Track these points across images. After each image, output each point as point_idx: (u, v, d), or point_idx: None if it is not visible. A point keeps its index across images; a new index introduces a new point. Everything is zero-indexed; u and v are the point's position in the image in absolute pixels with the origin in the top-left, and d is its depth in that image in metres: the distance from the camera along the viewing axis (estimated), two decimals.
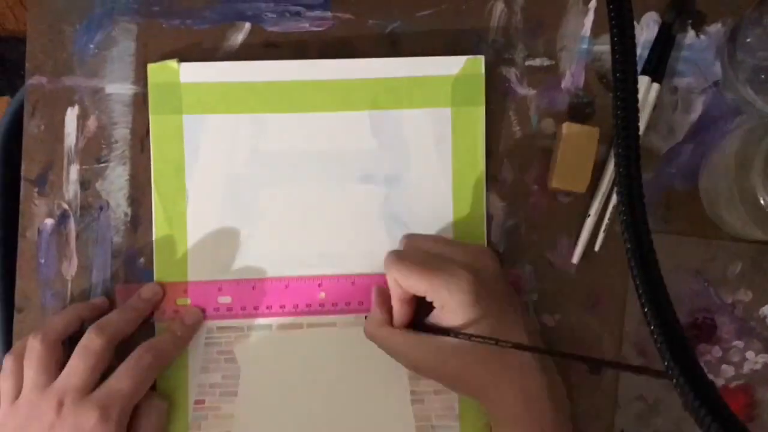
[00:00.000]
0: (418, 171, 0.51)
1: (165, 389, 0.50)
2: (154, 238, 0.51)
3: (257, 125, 0.51)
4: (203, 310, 0.50)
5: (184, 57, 0.51)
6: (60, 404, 0.44)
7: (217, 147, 0.51)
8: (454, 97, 0.51)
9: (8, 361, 0.47)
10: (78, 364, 0.45)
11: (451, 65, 0.50)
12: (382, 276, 0.48)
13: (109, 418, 0.45)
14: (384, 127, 0.51)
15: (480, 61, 0.50)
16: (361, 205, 0.51)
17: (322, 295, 0.50)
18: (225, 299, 0.50)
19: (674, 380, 0.37)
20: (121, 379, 0.46)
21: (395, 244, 0.50)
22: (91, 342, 0.46)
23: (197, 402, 0.50)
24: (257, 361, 0.50)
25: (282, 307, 0.50)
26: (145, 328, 0.50)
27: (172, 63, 0.51)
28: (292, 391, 0.50)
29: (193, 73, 0.51)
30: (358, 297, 0.50)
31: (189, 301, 0.50)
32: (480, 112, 0.51)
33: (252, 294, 0.50)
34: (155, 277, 0.51)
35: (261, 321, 0.50)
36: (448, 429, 0.50)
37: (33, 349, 0.46)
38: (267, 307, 0.50)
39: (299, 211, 0.51)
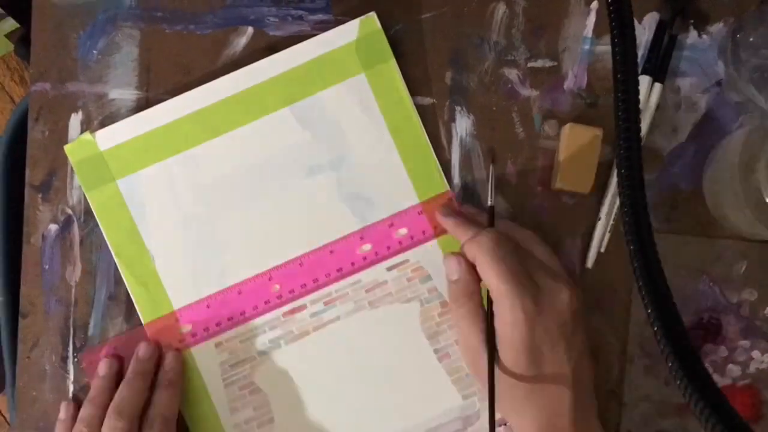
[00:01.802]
0: (358, 144, 0.51)
1: None
2: (136, 307, 0.51)
3: (189, 162, 0.51)
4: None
5: (187, 62, 0.52)
6: None
7: (160, 198, 0.51)
8: (363, 61, 0.51)
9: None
10: None
11: (347, 33, 0.51)
12: (326, 247, 0.50)
13: None
14: (309, 116, 0.51)
15: (372, 18, 0.50)
16: (318, 197, 0.51)
17: (276, 287, 0.51)
18: (186, 328, 0.51)
19: (678, 381, 0.36)
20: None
21: (364, 222, 0.50)
22: (114, 429, 0.46)
23: None
24: (280, 381, 0.50)
25: (242, 313, 0.51)
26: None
27: (87, 136, 0.51)
28: (326, 395, 0.50)
29: (109, 137, 0.51)
30: (311, 276, 0.50)
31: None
32: (392, 66, 0.51)
33: (208, 312, 0.51)
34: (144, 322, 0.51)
35: (267, 342, 0.50)
36: None
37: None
38: (228, 319, 0.51)
39: (263, 226, 0.51)
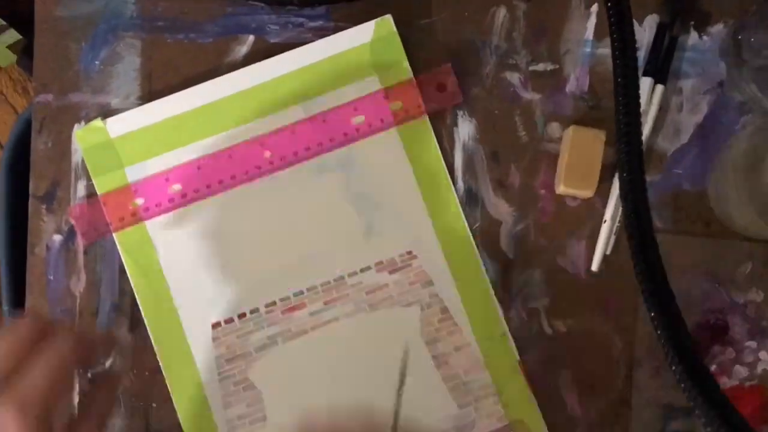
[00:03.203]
0: (367, 145, 0.51)
1: None
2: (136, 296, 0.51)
3: (199, 153, 0.51)
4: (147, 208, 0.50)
5: (189, 71, 0.52)
6: None
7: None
8: (376, 63, 0.51)
9: None
10: None
11: (362, 34, 0.51)
12: (321, 115, 0.50)
13: (28, 416, 0.34)
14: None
15: (388, 20, 0.51)
16: (325, 195, 0.51)
17: (267, 153, 0.50)
18: (176, 187, 0.51)
19: (683, 385, 0.36)
20: (36, 375, 0.35)
21: (368, 222, 0.50)
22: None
23: None
24: (275, 379, 0.50)
25: (233, 177, 0.51)
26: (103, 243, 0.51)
27: (98, 122, 0.51)
28: (320, 396, 0.50)
29: (120, 125, 0.51)
30: (302, 144, 0.50)
31: (142, 201, 0.50)
32: (404, 68, 0.51)
33: (199, 174, 0.50)
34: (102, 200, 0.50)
35: (265, 338, 0.50)
36: (479, 380, 0.50)
37: None
38: (219, 182, 0.51)
39: (267, 220, 0.51)
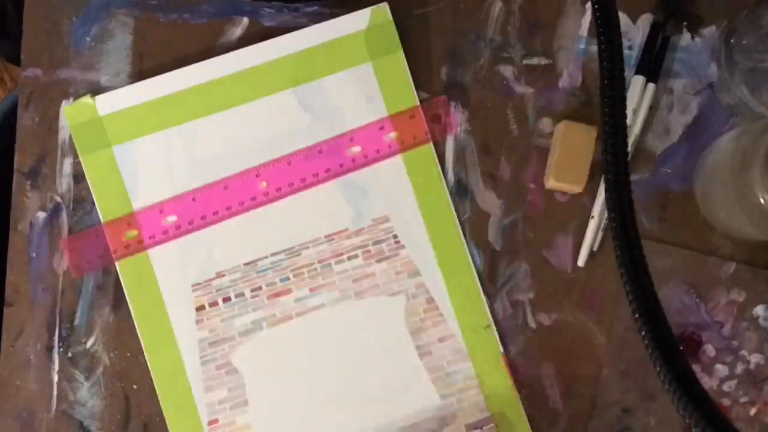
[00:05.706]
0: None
1: (176, 420, 0.49)
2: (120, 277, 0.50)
3: (189, 134, 0.51)
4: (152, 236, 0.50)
5: (181, 51, 0.51)
6: None
7: (155, 168, 0.51)
8: (371, 51, 0.51)
9: None
10: None
11: (358, 21, 0.51)
12: (317, 146, 0.50)
13: None
14: (312, 100, 0.51)
15: (384, 9, 0.51)
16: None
17: (263, 184, 0.50)
18: (171, 218, 0.50)
19: (665, 385, 0.37)
20: None
21: (355, 209, 0.50)
22: None
23: (211, 423, 0.49)
24: (258, 364, 0.50)
25: (228, 208, 0.50)
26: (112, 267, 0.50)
27: (87, 99, 0.50)
28: (303, 383, 0.50)
29: (110, 103, 0.51)
30: (298, 175, 0.50)
31: (136, 232, 0.50)
32: (399, 57, 0.51)
33: (194, 205, 0.50)
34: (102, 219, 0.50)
35: (249, 323, 0.50)
36: (462, 371, 0.50)
37: None
38: (213, 213, 0.50)
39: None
